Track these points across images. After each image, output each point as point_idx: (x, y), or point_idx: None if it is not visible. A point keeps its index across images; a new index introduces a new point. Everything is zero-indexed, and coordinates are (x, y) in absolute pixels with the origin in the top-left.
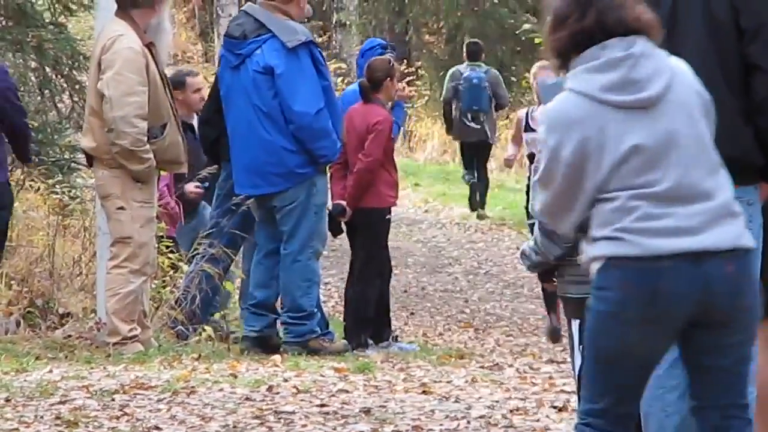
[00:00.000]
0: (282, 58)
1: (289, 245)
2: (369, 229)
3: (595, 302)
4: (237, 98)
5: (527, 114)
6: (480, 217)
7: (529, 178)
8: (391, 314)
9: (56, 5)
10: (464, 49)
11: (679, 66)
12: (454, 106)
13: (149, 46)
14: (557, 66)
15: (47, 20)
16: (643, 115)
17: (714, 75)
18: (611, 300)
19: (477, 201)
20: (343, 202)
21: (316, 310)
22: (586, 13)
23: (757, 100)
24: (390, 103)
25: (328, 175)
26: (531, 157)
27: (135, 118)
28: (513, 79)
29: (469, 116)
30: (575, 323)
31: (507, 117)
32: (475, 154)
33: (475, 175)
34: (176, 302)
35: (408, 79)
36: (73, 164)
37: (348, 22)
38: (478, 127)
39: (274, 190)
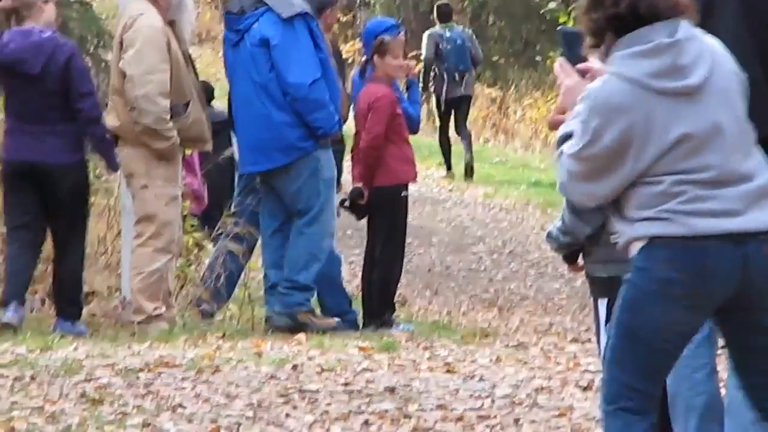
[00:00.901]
0: (278, 29)
1: (299, 220)
2: (386, 208)
3: (638, 280)
4: (238, 76)
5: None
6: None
7: None
8: (415, 293)
9: None
10: (435, 11)
11: (717, 47)
12: (434, 66)
13: (171, 24)
14: (591, 44)
15: None
16: (689, 102)
17: (750, 57)
18: (656, 278)
19: (449, 158)
20: (360, 185)
21: (312, 285)
22: None
23: None
24: (403, 82)
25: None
26: None
27: (157, 96)
28: (538, 58)
29: (456, 76)
30: (602, 303)
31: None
32: (457, 110)
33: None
34: (201, 281)
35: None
36: None
37: (372, 1)
38: (462, 84)
39: (275, 165)
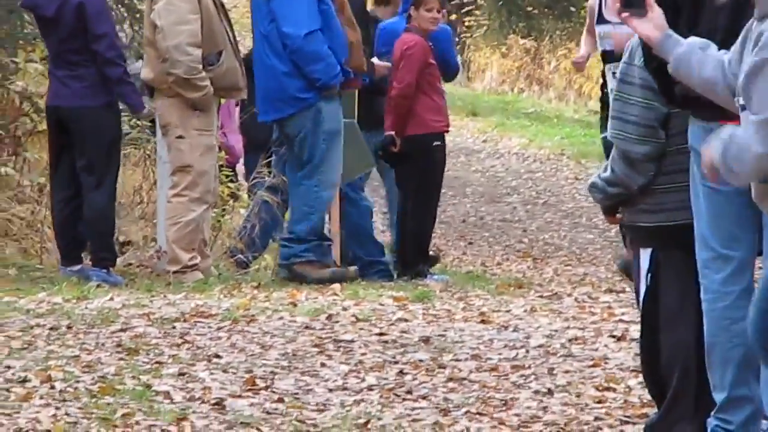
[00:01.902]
0: None
1: (299, 171)
2: (419, 157)
3: None
4: (253, 26)
5: (600, 1)
6: None
7: (605, 93)
8: (450, 243)
9: None
10: None
11: None
12: None
13: None
14: None
15: None
16: None
17: None
18: None
19: None
20: (392, 132)
21: (311, 237)
22: None
23: None
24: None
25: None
26: (606, 55)
27: (188, 46)
28: (572, 9)
29: None
30: (645, 252)
31: None
32: None
33: None
34: (237, 231)
35: (467, 8)
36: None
37: None
38: None
39: (280, 115)
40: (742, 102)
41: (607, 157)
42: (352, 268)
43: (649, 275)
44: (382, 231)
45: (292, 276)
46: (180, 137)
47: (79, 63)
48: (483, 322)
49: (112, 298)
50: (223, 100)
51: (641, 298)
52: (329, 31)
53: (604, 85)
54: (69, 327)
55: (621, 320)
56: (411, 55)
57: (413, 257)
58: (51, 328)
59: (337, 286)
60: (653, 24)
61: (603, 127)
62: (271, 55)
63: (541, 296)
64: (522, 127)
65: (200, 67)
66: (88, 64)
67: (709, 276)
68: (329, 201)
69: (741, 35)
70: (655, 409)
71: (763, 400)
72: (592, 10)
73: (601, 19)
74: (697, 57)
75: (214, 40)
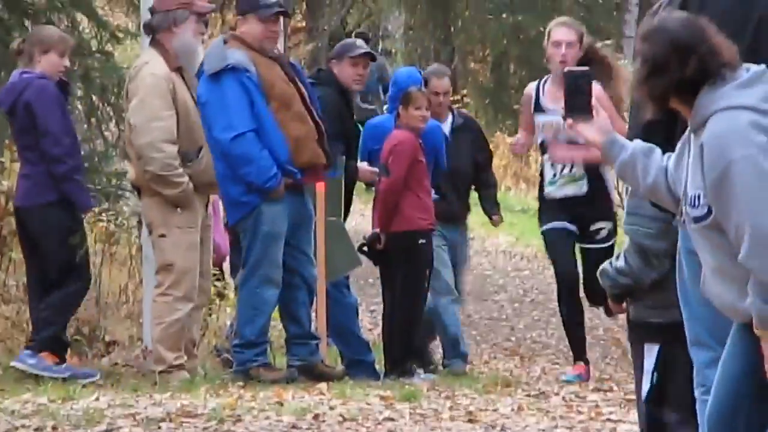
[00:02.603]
0: (206, 86)
1: (242, 274)
2: (401, 255)
3: None
4: None
5: (538, 89)
6: None
7: (544, 181)
8: (437, 341)
9: (103, 33)
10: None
11: None
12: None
13: (179, 70)
14: (653, 110)
15: (94, 48)
16: None
17: None
18: None
19: None
20: (377, 230)
21: (260, 339)
22: (687, 61)
23: None
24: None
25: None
26: (545, 146)
27: (162, 142)
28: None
29: (369, 98)
30: (651, 349)
31: None
32: None
33: None
34: (225, 331)
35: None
36: (119, 192)
37: (394, 50)
38: (372, 107)
39: (232, 220)
40: (689, 211)
41: (548, 250)
42: (340, 368)
43: (655, 373)
44: (369, 329)
45: (251, 379)
46: (162, 236)
47: (29, 160)
48: (470, 421)
49: (97, 398)
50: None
51: (644, 394)
52: (263, 132)
53: (542, 177)
54: (54, 428)
55: (609, 419)
56: (401, 151)
57: (400, 355)
58: (36, 429)
59: (324, 385)
60: (597, 128)
61: (541, 221)
62: (214, 160)
63: (528, 395)
64: (509, 225)
65: (176, 163)
66: (37, 162)
67: (711, 376)
68: (272, 300)
69: (678, 145)
70: None
71: None
72: (529, 99)
73: (539, 109)
74: (641, 164)
75: (192, 136)
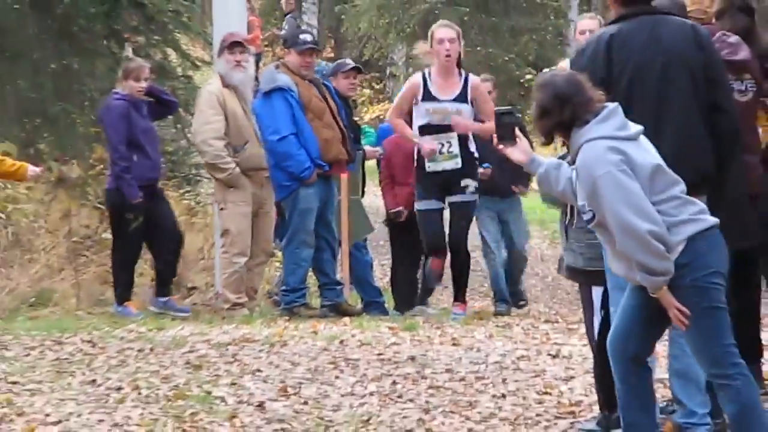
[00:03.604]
0: (259, 101)
1: (286, 238)
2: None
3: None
4: None
5: (425, 80)
6: None
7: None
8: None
9: (185, 62)
10: None
11: None
12: None
13: (230, 87)
14: (544, 140)
15: (179, 73)
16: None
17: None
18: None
19: None
20: (402, 208)
21: (300, 286)
22: (564, 108)
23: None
24: None
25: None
26: (424, 129)
27: (211, 139)
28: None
29: None
30: (597, 290)
31: None
32: None
33: None
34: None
35: None
36: (197, 178)
37: (397, 74)
38: None
39: (278, 198)
40: (582, 215)
41: (421, 226)
42: (358, 307)
43: (602, 310)
44: (380, 278)
45: (292, 315)
46: (222, 208)
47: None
48: (454, 344)
49: (182, 328)
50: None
51: (597, 328)
52: (301, 135)
53: (420, 160)
54: (151, 349)
55: (555, 343)
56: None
57: (403, 297)
58: (138, 350)
59: (347, 318)
60: (521, 151)
61: (418, 196)
62: (267, 154)
63: (496, 326)
64: None
65: (223, 154)
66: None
67: None
68: (308, 257)
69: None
70: (580, 408)
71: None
72: (417, 87)
73: (429, 97)
74: (554, 175)
75: (240, 134)
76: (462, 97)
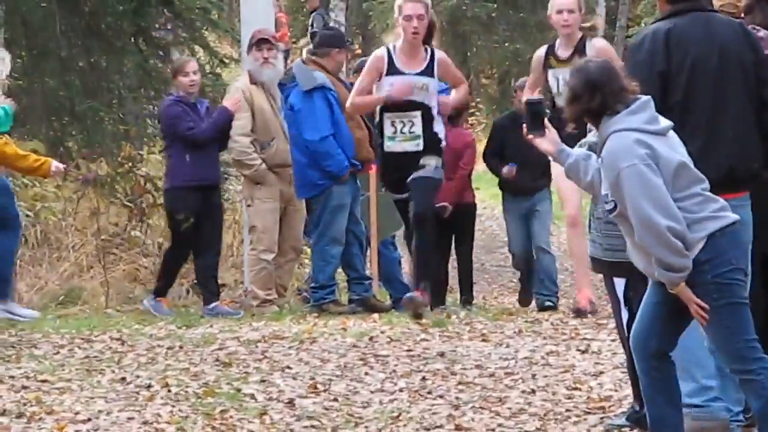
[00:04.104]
0: (299, 97)
1: (315, 235)
2: (465, 219)
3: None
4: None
5: (390, 54)
6: None
7: (383, 136)
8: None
9: (213, 60)
10: None
11: None
12: None
13: (257, 83)
14: (574, 125)
15: (207, 71)
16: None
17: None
18: None
19: None
20: (446, 204)
21: (329, 282)
22: (594, 96)
23: None
24: None
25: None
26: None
27: (237, 136)
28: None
29: None
30: (619, 282)
31: None
32: None
33: None
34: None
35: (471, 111)
36: (226, 175)
37: None
38: None
39: (307, 195)
40: (604, 205)
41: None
42: (387, 303)
43: (628, 306)
44: (409, 274)
45: (321, 312)
46: (249, 205)
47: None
48: (483, 340)
49: (211, 326)
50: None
51: (625, 322)
52: (339, 135)
53: (381, 133)
54: (181, 347)
55: (584, 338)
56: (475, 146)
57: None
58: (168, 348)
59: (376, 315)
60: (549, 140)
61: (383, 181)
62: (296, 152)
63: (526, 321)
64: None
65: (249, 150)
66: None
67: None
68: (338, 254)
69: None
70: (610, 404)
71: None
72: (382, 61)
73: (395, 71)
74: (582, 166)
75: (267, 130)
76: (428, 71)
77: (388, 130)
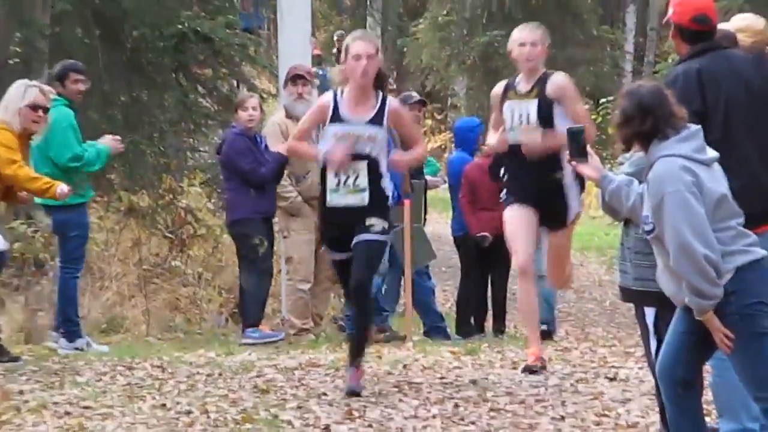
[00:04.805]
0: None
1: None
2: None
3: None
4: None
5: (335, 100)
6: None
7: (325, 188)
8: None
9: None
10: None
11: None
12: None
13: (293, 118)
14: (624, 147)
15: None
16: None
17: None
18: None
19: None
20: (487, 233)
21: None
22: (646, 119)
23: None
24: None
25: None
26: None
27: None
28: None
29: None
30: (649, 312)
31: None
32: None
33: None
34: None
35: None
36: None
37: (458, 104)
38: None
39: None
40: (643, 226)
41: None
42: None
43: (656, 334)
44: (442, 303)
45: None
46: (285, 237)
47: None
48: (514, 368)
49: (250, 354)
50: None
51: (653, 351)
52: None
53: (323, 185)
54: (220, 374)
55: (613, 366)
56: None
57: (467, 325)
58: (207, 375)
59: (410, 343)
60: (592, 167)
61: (324, 237)
62: None
63: (556, 350)
64: None
65: (285, 183)
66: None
67: None
68: (376, 285)
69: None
70: (637, 430)
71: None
72: (326, 108)
73: (338, 119)
74: (624, 192)
75: (302, 164)
76: (378, 119)
77: (330, 182)
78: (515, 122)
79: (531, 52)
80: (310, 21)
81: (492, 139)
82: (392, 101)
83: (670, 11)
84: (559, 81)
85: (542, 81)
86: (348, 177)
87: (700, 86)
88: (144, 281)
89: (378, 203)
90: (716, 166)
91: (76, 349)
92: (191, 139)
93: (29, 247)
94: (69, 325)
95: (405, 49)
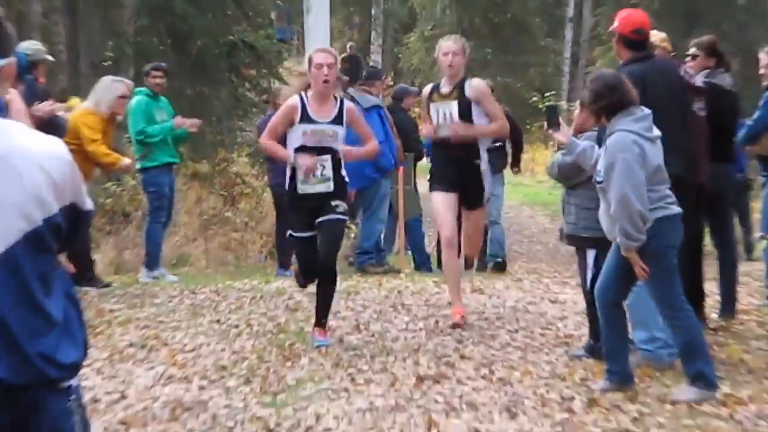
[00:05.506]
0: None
1: (365, 215)
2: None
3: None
4: None
5: (303, 102)
6: None
7: (296, 179)
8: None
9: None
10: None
11: None
12: None
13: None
14: (594, 120)
15: None
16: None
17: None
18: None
19: None
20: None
21: (371, 249)
22: (613, 95)
23: None
24: None
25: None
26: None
27: None
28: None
29: None
30: (590, 253)
31: None
32: None
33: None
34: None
35: None
36: None
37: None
38: None
39: (360, 186)
40: (596, 178)
41: (296, 253)
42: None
43: (594, 268)
44: (428, 245)
45: (364, 271)
46: None
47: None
48: (481, 293)
49: (283, 282)
50: None
51: (589, 280)
52: (388, 141)
53: (294, 176)
54: (261, 297)
55: (554, 292)
56: None
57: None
58: (252, 298)
59: (403, 275)
60: (563, 134)
61: (293, 224)
62: None
63: (512, 279)
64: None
65: None
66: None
67: None
68: (381, 230)
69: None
70: (572, 340)
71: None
72: (294, 110)
73: (307, 119)
74: (589, 153)
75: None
76: (338, 120)
77: (301, 174)
78: (440, 120)
79: (453, 60)
80: (329, 34)
81: (425, 130)
82: (348, 104)
83: (615, 23)
84: (476, 85)
85: (461, 84)
86: (316, 169)
87: (643, 87)
88: (204, 228)
89: (340, 189)
90: (658, 143)
91: (154, 277)
92: (240, 122)
93: (118, 201)
94: (150, 259)
95: (400, 55)
